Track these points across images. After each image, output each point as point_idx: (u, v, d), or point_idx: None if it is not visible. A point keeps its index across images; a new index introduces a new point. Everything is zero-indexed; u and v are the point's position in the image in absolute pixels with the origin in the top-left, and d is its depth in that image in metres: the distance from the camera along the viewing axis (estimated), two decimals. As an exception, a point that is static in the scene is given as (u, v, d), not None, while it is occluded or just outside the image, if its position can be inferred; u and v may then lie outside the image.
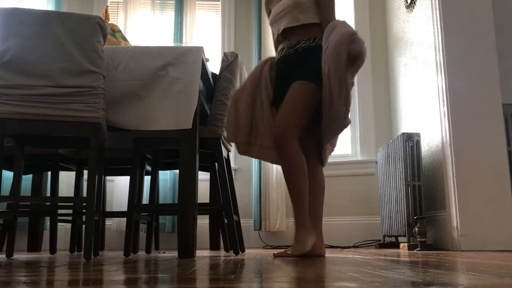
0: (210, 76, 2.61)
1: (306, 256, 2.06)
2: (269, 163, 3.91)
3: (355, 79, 2.16)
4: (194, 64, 2.29)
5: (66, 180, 4.06)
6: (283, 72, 2.29)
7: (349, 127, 4.20)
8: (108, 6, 3.64)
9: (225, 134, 2.71)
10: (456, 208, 2.79)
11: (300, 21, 2.25)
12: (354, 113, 4.22)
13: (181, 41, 4.23)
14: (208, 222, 3.46)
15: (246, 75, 2.86)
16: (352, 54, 1.98)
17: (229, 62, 2.68)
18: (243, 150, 2.34)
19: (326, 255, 2.33)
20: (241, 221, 3.27)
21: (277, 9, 2.34)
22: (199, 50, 2.32)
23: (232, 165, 4.11)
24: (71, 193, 4.03)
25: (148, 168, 3.14)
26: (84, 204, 2.42)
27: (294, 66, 2.24)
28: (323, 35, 2.18)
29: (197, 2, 4.38)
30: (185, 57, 2.29)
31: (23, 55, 2.02)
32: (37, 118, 2.02)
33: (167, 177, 3.98)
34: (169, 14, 4.39)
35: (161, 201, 3.86)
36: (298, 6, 2.26)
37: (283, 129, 2.11)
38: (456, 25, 2.98)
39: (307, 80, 2.15)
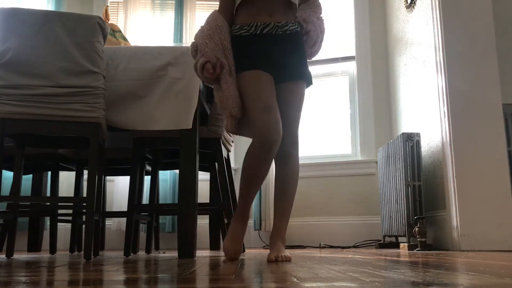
0: (210, 76, 2.61)
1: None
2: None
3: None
4: (194, 64, 2.29)
5: (66, 180, 4.06)
6: (267, 51, 1.93)
7: (349, 127, 4.23)
8: (108, 6, 3.64)
9: (225, 134, 2.71)
10: (456, 208, 2.79)
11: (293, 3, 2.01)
12: (354, 113, 4.22)
13: (181, 41, 4.23)
14: (208, 222, 3.46)
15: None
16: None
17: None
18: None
19: (326, 255, 2.33)
20: (241, 221, 3.27)
21: None
22: (199, 50, 2.32)
23: (232, 165, 4.11)
24: (71, 193, 4.03)
25: (148, 168, 3.14)
26: (84, 204, 2.42)
27: (285, 52, 1.96)
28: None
29: (197, 2, 4.39)
30: (185, 57, 2.29)
31: (23, 55, 2.03)
32: (37, 118, 2.02)
33: (167, 177, 3.98)
34: (169, 14, 4.39)
35: (161, 201, 3.86)
36: None
37: (296, 138, 1.97)
38: (456, 25, 2.98)
39: (307, 83, 2.01)
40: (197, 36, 1.96)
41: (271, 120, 1.81)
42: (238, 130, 1.96)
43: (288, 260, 1.81)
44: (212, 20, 1.96)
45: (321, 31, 2.06)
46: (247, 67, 1.90)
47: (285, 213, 1.97)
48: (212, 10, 2.06)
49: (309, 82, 2.02)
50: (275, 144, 1.82)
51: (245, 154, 1.89)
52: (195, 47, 1.95)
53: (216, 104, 2.53)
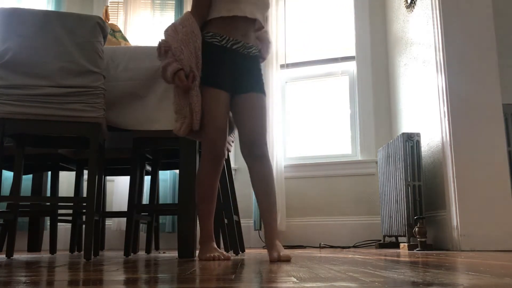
0: (210, 76, 2.61)
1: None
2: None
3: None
4: (194, 64, 2.28)
5: (66, 180, 4.06)
6: (233, 63, 2.04)
7: (349, 127, 4.23)
8: (108, 6, 3.64)
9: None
10: (456, 208, 2.79)
11: (263, 25, 2.17)
12: (354, 113, 4.22)
13: (181, 41, 4.22)
14: (208, 222, 3.45)
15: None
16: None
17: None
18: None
19: (326, 255, 2.33)
20: (241, 221, 3.27)
21: None
22: (199, 50, 2.31)
23: (232, 165, 4.11)
24: (71, 193, 4.03)
25: (148, 168, 3.14)
26: (84, 204, 2.42)
27: (249, 67, 2.09)
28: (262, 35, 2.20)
29: (197, 2, 4.38)
30: (185, 57, 2.29)
31: (23, 55, 2.03)
32: (37, 118, 2.02)
33: (167, 177, 3.98)
34: (169, 14, 4.39)
35: (161, 201, 3.86)
36: (266, 8, 2.15)
37: (264, 140, 2.08)
38: (456, 25, 2.98)
39: (264, 95, 2.13)
40: (170, 37, 1.97)
41: (222, 139, 2.01)
42: (189, 135, 2.05)
43: (289, 259, 1.84)
44: (188, 24, 1.99)
45: (268, 45, 2.24)
46: (211, 83, 2.00)
47: (273, 212, 2.02)
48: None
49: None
50: (223, 158, 2.04)
51: (197, 175, 2.05)
52: (167, 47, 1.96)
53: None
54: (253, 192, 3.93)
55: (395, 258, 1.88)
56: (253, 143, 2.03)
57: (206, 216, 2.06)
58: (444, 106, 2.94)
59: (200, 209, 2.05)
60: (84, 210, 2.83)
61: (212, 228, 2.08)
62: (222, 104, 2.02)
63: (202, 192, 2.04)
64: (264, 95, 2.13)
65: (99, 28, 2.10)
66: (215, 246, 2.05)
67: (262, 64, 2.23)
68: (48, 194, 3.42)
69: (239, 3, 2.01)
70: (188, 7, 4.34)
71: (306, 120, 4.33)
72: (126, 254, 2.37)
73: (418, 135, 3.13)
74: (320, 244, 3.89)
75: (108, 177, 3.59)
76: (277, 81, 4.13)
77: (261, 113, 2.09)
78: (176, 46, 1.95)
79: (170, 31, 1.98)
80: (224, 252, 2.01)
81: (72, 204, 2.86)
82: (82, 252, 3.01)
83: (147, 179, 3.70)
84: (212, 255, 1.95)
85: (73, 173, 3.72)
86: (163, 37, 1.99)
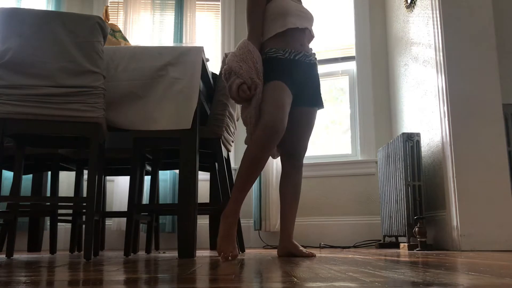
0: (210, 76, 2.61)
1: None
2: (268, 164, 3.92)
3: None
4: (194, 64, 2.29)
5: (66, 180, 4.06)
6: (298, 74, 2.22)
7: (349, 127, 4.23)
8: (108, 6, 3.64)
9: (225, 134, 2.72)
10: (456, 208, 2.79)
11: (313, 34, 2.36)
12: (354, 113, 4.22)
13: (181, 41, 4.23)
14: (208, 222, 3.46)
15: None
16: None
17: (229, 62, 2.68)
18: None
19: (326, 255, 2.33)
20: (241, 221, 3.27)
21: (300, 7, 2.30)
22: (199, 50, 2.32)
23: (232, 165, 4.11)
24: (71, 193, 4.03)
25: (148, 168, 3.14)
26: (84, 204, 2.42)
27: (312, 79, 2.28)
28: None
29: (197, 2, 4.38)
30: (185, 57, 2.29)
31: (23, 55, 2.02)
32: (38, 118, 2.02)
33: (167, 177, 3.98)
34: (169, 14, 4.39)
35: (161, 201, 3.86)
36: (312, 20, 2.36)
37: (305, 152, 2.32)
38: (456, 25, 2.98)
39: (323, 108, 2.34)
40: (230, 61, 2.11)
41: (282, 115, 2.03)
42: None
43: (315, 255, 2.18)
44: (243, 46, 2.15)
45: None
46: (275, 78, 2.11)
47: (295, 215, 2.31)
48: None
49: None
50: (280, 134, 2.03)
51: (246, 148, 2.07)
52: (229, 70, 2.09)
53: (216, 104, 2.55)
54: (253, 192, 3.95)
55: (395, 258, 1.88)
56: (298, 154, 2.29)
57: (242, 190, 2.05)
58: (444, 106, 2.94)
59: (241, 179, 2.04)
60: (84, 210, 2.83)
61: (241, 205, 2.08)
62: (286, 93, 2.10)
63: (250, 163, 2.03)
64: (322, 108, 2.34)
65: (99, 28, 2.10)
66: (235, 231, 2.05)
67: None
68: (48, 194, 3.42)
69: (288, 18, 2.19)
70: (188, 7, 4.34)
71: (306, 120, 4.33)
72: (126, 254, 2.37)
73: (418, 135, 3.13)
74: (320, 244, 3.89)
75: (108, 177, 3.59)
76: (277, 81, 4.13)
77: (311, 129, 2.32)
78: (235, 65, 2.08)
79: (230, 57, 2.13)
80: (235, 250, 2.02)
81: (72, 204, 2.86)
82: (82, 252, 3.01)
83: (147, 179, 3.69)
84: (230, 255, 1.94)
85: (73, 173, 3.72)
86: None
